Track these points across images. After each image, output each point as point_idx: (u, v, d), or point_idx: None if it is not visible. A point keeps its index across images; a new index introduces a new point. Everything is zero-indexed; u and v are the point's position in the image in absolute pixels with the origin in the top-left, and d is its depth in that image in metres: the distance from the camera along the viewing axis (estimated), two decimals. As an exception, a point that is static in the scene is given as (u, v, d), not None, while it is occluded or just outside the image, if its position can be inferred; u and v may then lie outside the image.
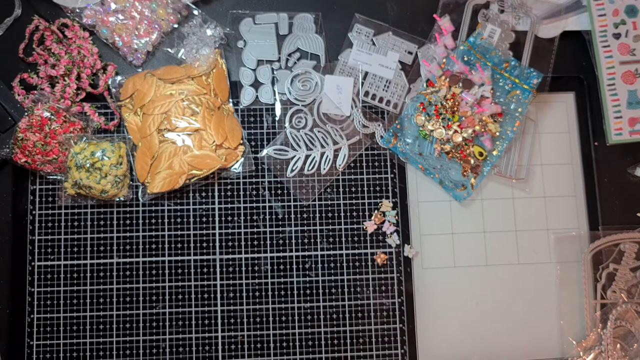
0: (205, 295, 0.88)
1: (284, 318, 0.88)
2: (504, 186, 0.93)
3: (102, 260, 0.88)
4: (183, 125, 0.87)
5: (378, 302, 0.89)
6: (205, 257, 0.89)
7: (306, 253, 0.90)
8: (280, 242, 0.90)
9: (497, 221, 0.92)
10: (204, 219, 0.90)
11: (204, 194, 0.90)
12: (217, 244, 0.89)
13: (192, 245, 0.89)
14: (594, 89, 0.93)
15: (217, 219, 0.90)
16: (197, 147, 0.87)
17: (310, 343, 0.88)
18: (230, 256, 0.89)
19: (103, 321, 0.87)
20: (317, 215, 0.91)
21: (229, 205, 0.90)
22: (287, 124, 0.91)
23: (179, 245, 0.89)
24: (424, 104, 0.90)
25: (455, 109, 0.88)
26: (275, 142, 0.91)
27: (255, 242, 0.90)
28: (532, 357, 0.90)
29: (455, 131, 0.88)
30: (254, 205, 0.90)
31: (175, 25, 0.92)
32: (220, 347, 0.88)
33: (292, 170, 0.91)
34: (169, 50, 0.90)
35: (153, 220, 0.89)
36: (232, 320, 0.88)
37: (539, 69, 0.89)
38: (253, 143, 0.91)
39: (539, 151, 0.94)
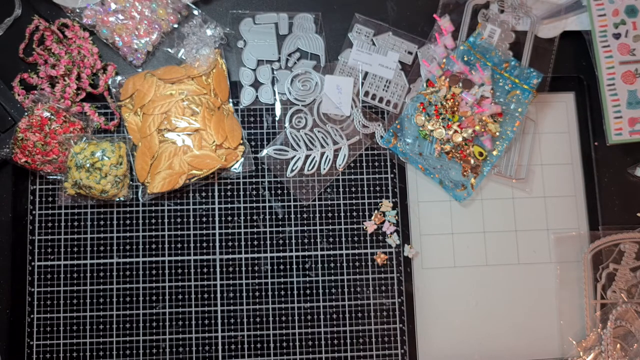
0: (205, 295, 0.88)
1: (284, 318, 0.88)
2: (504, 186, 0.93)
3: (102, 260, 0.88)
4: (183, 125, 0.87)
5: (378, 302, 0.89)
6: (205, 257, 0.89)
7: (306, 253, 0.90)
8: (280, 242, 0.90)
9: (497, 221, 0.92)
10: (204, 219, 0.90)
11: (204, 194, 0.90)
12: (217, 244, 0.89)
13: (192, 245, 0.89)
14: (594, 89, 0.93)
15: (217, 219, 0.90)
16: (197, 147, 0.87)
17: (310, 343, 0.88)
18: (230, 256, 0.89)
19: (103, 321, 0.87)
20: (317, 215, 0.91)
21: (229, 205, 0.90)
22: (287, 124, 0.91)
23: (179, 245, 0.89)
24: (424, 104, 0.90)
25: (455, 109, 0.88)
26: (275, 142, 0.91)
27: (255, 242, 0.90)
28: (532, 357, 0.90)
29: (455, 131, 0.88)
30: (254, 205, 0.90)
31: (175, 25, 0.92)
32: (220, 347, 0.88)
33: (292, 170, 0.91)
34: (169, 50, 0.90)
35: (153, 220, 0.89)
36: (232, 320, 0.88)
37: (539, 69, 0.89)
38: (253, 143, 0.91)
39: (539, 151, 0.94)
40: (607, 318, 0.88)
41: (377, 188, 0.92)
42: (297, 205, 0.91)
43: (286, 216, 0.90)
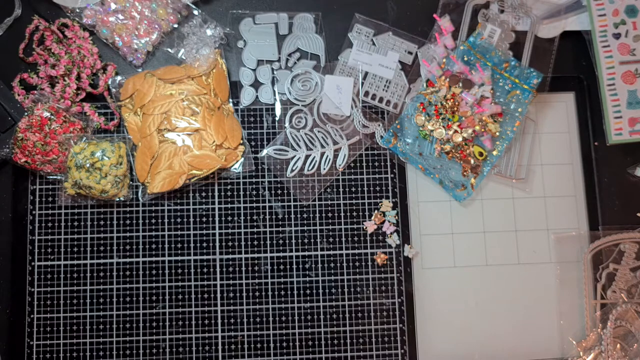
0: (205, 295, 0.88)
1: (284, 318, 0.88)
2: (504, 186, 0.93)
3: (102, 260, 0.88)
4: (183, 125, 0.87)
5: (378, 302, 0.89)
6: (205, 257, 0.89)
7: (306, 253, 0.90)
8: (280, 242, 0.90)
9: (497, 221, 0.92)
10: (204, 219, 0.90)
11: (204, 194, 0.90)
12: (217, 244, 0.89)
13: (192, 245, 0.89)
14: (594, 89, 0.93)
15: (217, 219, 0.90)
16: (197, 147, 0.87)
17: (310, 343, 0.88)
18: (230, 256, 0.89)
19: (103, 321, 0.87)
20: (317, 215, 0.91)
21: (229, 205, 0.90)
22: (287, 124, 0.91)
23: (179, 245, 0.89)
24: (424, 104, 0.90)
25: (455, 109, 0.88)
26: (275, 142, 0.91)
27: (255, 242, 0.90)
28: (532, 357, 0.90)
29: (455, 131, 0.88)
30: (254, 205, 0.90)
31: (175, 25, 0.92)
32: (220, 347, 0.88)
33: (292, 170, 0.91)
34: (169, 50, 0.90)
35: (153, 220, 0.89)
36: (232, 320, 0.88)
37: (539, 69, 0.89)
38: (253, 143, 0.91)
39: (539, 151, 0.94)
40: (607, 318, 0.88)
41: (377, 188, 0.92)
42: (297, 205, 0.91)
43: (286, 216, 0.90)
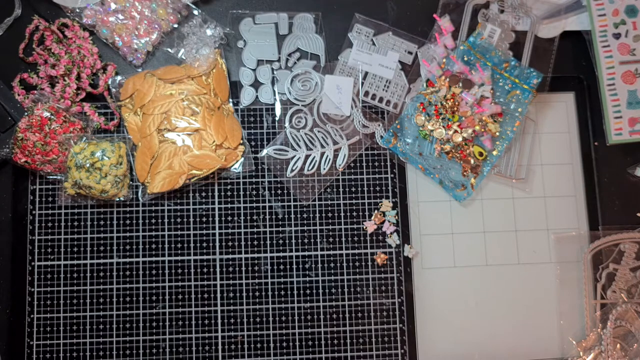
0: (205, 295, 0.88)
1: (284, 318, 0.88)
2: (504, 186, 0.93)
3: (102, 260, 0.88)
4: (183, 125, 0.87)
5: (378, 302, 0.89)
6: (205, 257, 0.89)
7: (306, 253, 0.90)
8: (280, 242, 0.90)
9: (497, 221, 0.92)
10: (204, 219, 0.90)
11: (204, 194, 0.90)
12: (217, 244, 0.89)
13: (192, 245, 0.89)
14: (594, 89, 0.93)
15: (217, 219, 0.90)
16: (197, 147, 0.87)
17: (310, 343, 0.88)
18: (230, 256, 0.89)
19: (103, 321, 0.87)
20: (317, 215, 0.91)
21: (229, 205, 0.90)
22: (287, 124, 0.91)
23: (179, 245, 0.89)
24: (424, 104, 0.90)
25: (455, 109, 0.88)
26: (275, 142, 0.91)
27: (255, 242, 0.90)
28: (532, 357, 0.90)
29: (455, 131, 0.88)
30: (254, 205, 0.90)
31: (175, 25, 0.92)
32: (220, 347, 0.88)
33: (292, 170, 0.91)
34: (169, 50, 0.90)
35: (153, 220, 0.89)
36: (232, 320, 0.88)
37: (539, 69, 0.89)
38: (253, 143, 0.91)
39: (539, 151, 0.94)
40: (607, 318, 0.88)
41: (377, 188, 0.92)
42: (297, 205, 0.91)
43: (286, 216, 0.90)
